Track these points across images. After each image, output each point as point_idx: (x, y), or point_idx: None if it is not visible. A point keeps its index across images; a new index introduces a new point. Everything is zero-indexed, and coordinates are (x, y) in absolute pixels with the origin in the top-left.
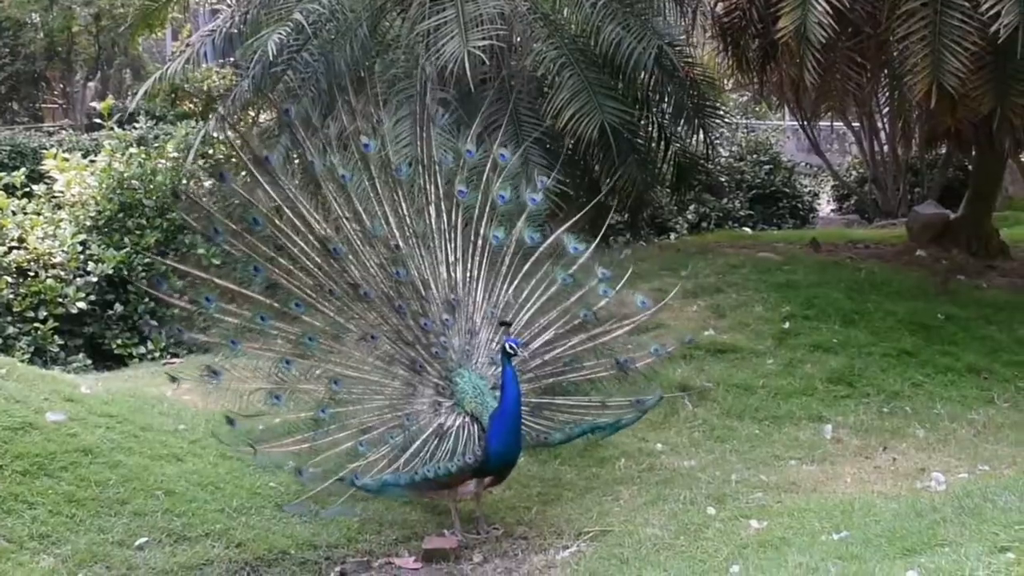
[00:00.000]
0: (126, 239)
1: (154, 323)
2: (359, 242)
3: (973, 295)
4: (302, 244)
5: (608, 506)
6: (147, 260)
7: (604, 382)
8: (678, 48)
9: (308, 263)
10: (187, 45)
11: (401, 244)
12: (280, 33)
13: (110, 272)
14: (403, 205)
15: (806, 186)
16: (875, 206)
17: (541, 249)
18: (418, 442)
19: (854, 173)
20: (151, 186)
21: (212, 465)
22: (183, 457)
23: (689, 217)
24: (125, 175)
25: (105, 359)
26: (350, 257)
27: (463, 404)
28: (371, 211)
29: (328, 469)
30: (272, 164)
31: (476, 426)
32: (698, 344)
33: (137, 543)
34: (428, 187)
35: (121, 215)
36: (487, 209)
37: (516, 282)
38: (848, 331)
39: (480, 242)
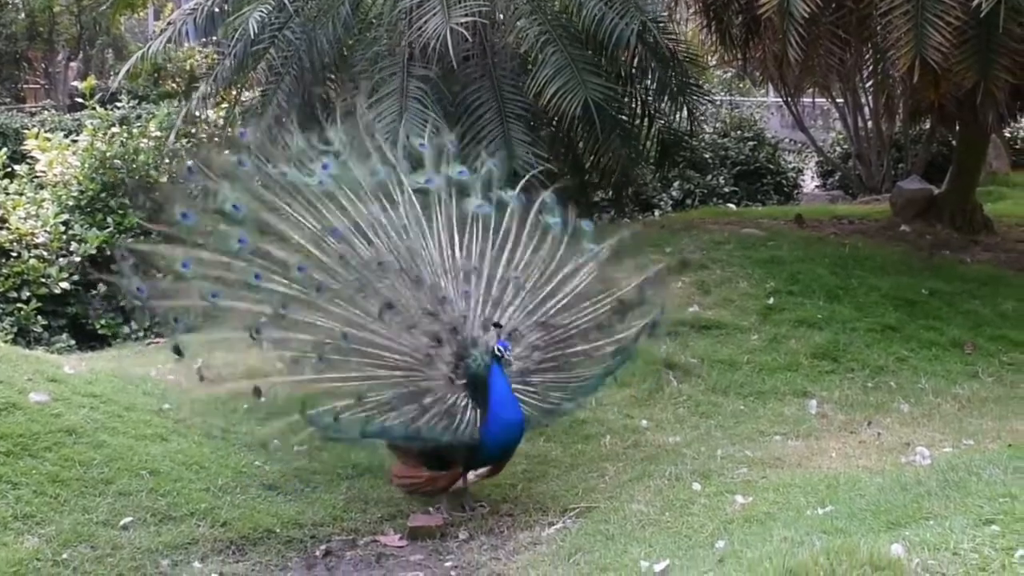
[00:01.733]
0: (109, 219)
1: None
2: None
3: (957, 270)
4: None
5: (594, 483)
6: (130, 240)
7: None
8: (661, 24)
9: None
10: (169, 24)
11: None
12: (261, 11)
13: (93, 252)
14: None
15: (790, 162)
16: (859, 182)
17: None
18: (428, 403)
19: (838, 149)
20: (133, 166)
21: (197, 445)
22: (168, 437)
23: (674, 194)
24: (107, 155)
25: (89, 339)
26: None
27: (475, 388)
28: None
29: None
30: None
31: (478, 413)
32: (683, 320)
33: (122, 523)
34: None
35: (103, 195)
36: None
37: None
38: (832, 306)
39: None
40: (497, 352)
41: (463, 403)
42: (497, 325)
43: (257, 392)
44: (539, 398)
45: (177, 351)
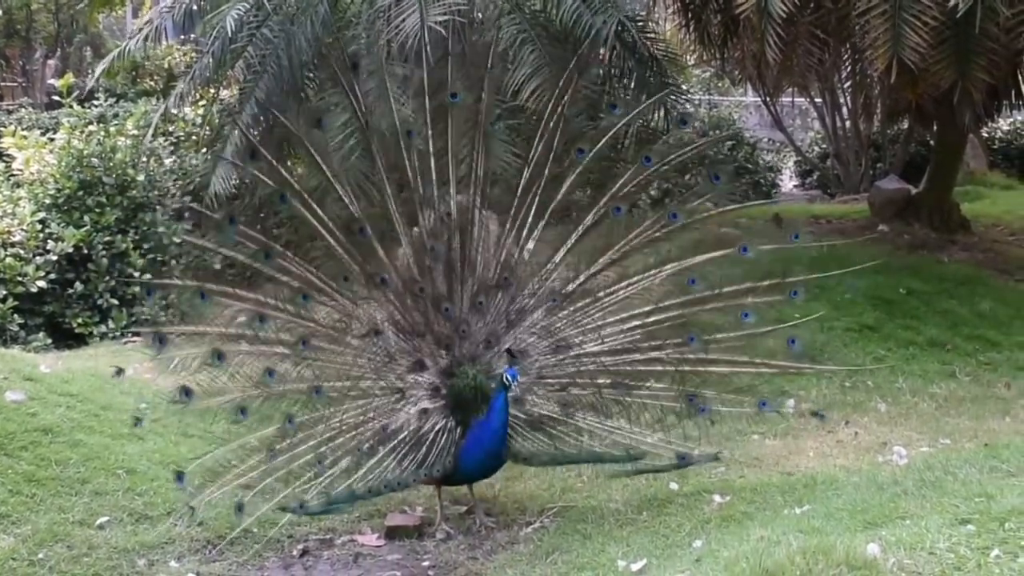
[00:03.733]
0: (86, 217)
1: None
2: (395, 213)
3: (934, 269)
4: (329, 225)
5: (571, 482)
6: (107, 238)
7: (654, 410)
8: (639, 23)
9: (333, 243)
10: (147, 22)
11: (454, 212)
12: (239, 9)
13: (70, 250)
14: (480, 166)
15: (769, 162)
16: (837, 181)
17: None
18: (386, 450)
19: (816, 148)
20: (111, 164)
21: (174, 444)
22: (144, 436)
23: (652, 193)
24: (85, 153)
25: (65, 338)
26: (376, 237)
27: (456, 408)
28: (428, 174)
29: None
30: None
31: (458, 432)
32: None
33: (98, 522)
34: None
35: (81, 193)
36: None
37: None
38: (810, 306)
39: (590, 216)
40: (505, 381)
41: (437, 427)
42: (512, 354)
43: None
44: (529, 431)
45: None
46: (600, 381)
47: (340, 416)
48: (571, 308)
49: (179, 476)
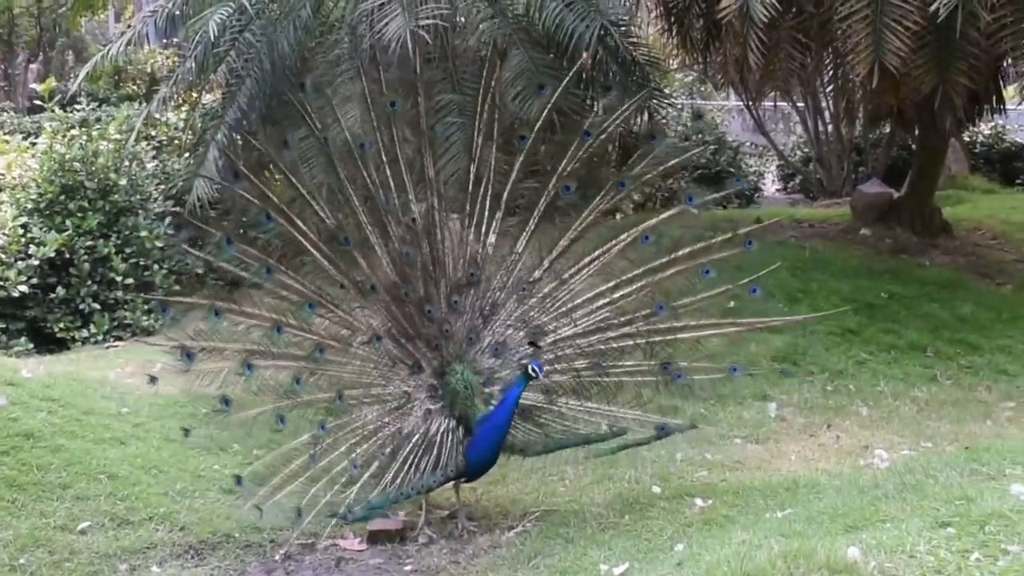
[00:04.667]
0: (68, 222)
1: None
2: (367, 224)
3: (916, 273)
4: (313, 238)
5: (553, 486)
6: (89, 243)
7: (631, 388)
8: (622, 28)
9: (319, 256)
10: (129, 26)
11: (418, 216)
12: (222, 13)
13: (52, 255)
14: (431, 167)
15: (751, 166)
16: (820, 185)
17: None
18: (404, 453)
19: (799, 152)
20: (93, 168)
21: (155, 448)
22: (126, 440)
23: (635, 197)
24: (67, 157)
25: (47, 343)
26: (357, 247)
27: (453, 406)
28: (387, 182)
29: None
30: (287, 151)
31: (460, 431)
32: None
33: (80, 527)
34: (475, 140)
35: (63, 197)
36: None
37: (568, 249)
38: (793, 309)
39: (541, 199)
40: (532, 373)
41: (442, 429)
42: (535, 344)
43: None
44: (520, 422)
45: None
46: (578, 364)
47: (361, 421)
48: (540, 295)
49: (238, 480)
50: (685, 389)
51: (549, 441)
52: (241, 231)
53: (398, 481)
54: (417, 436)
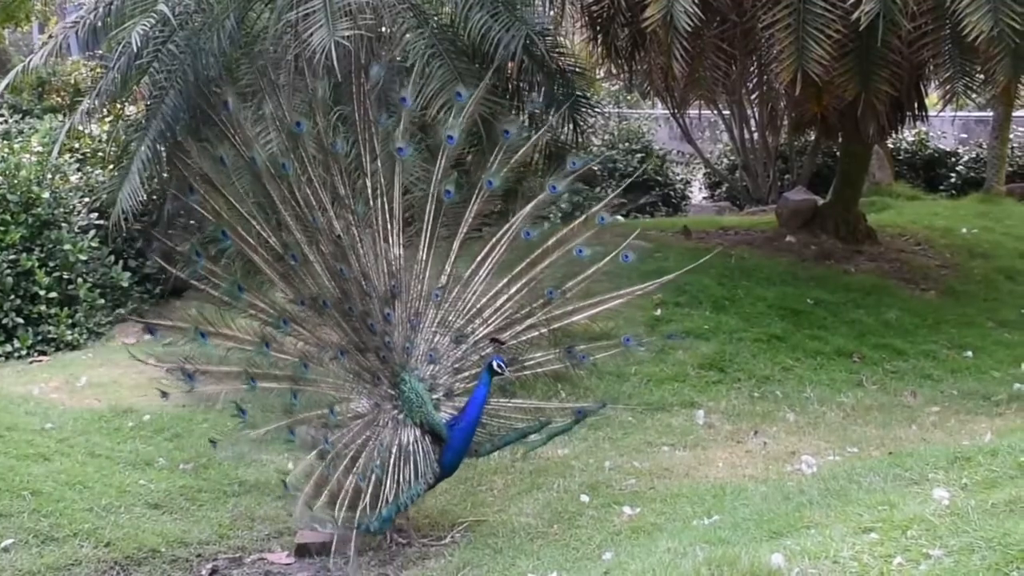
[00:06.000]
0: None
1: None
2: (305, 243)
3: (841, 280)
4: (265, 256)
5: (482, 496)
6: (12, 257)
7: (547, 378)
8: (548, 38)
9: (273, 275)
10: (50, 37)
11: (342, 233)
12: (144, 25)
13: None
14: (341, 185)
15: (678, 174)
16: (746, 193)
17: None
18: (389, 465)
19: (725, 160)
20: (15, 181)
21: (80, 464)
22: (50, 456)
23: (563, 206)
24: None
25: None
26: (303, 265)
27: (411, 415)
28: (309, 201)
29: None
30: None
31: (427, 438)
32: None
33: (3, 545)
34: (363, 155)
35: None
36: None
37: (462, 252)
38: (719, 317)
39: (424, 206)
40: (497, 368)
41: (413, 438)
42: (497, 341)
43: None
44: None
45: None
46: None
47: (351, 435)
48: (451, 299)
49: (285, 484)
50: (592, 368)
51: (495, 439)
52: (204, 248)
53: (393, 493)
54: (395, 448)
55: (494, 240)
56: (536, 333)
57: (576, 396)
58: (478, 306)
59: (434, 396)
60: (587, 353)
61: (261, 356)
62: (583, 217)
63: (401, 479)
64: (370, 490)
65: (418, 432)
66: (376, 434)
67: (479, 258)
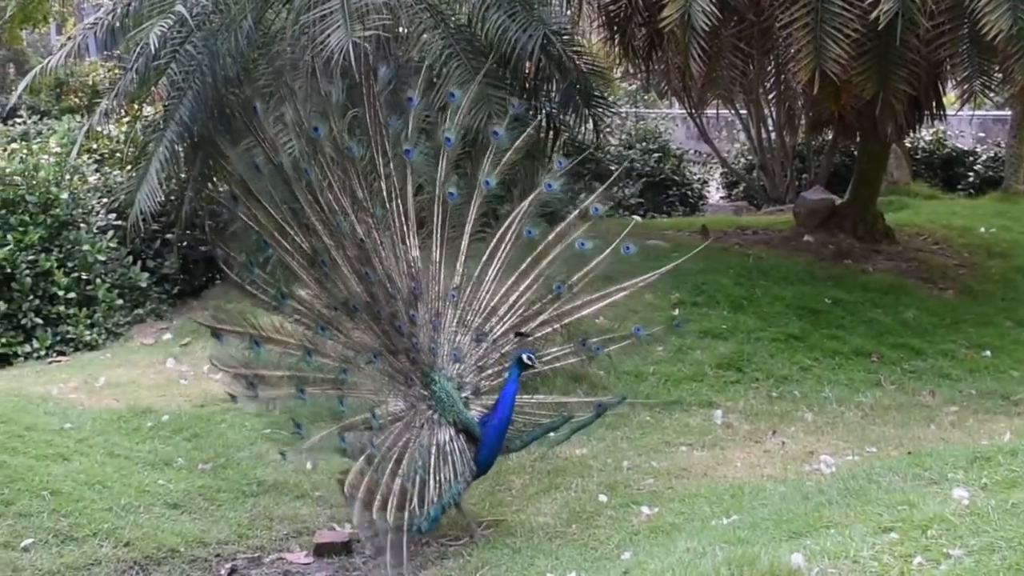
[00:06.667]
0: (9, 236)
1: None
2: (333, 248)
3: (859, 279)
4: (301, 261)
5: (500, 496)
6: (31, 257)
7: (565, 376)
8: (565, 37)
9: (309, 280)
10: (69, 38)
11: (364, 237)
12: (162, 26)
13: None
14: (359, 188)
15: (695, 174)
16: (763, 192)
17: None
18: (431, 466)
19: (742, 160)
20: (34, 182)
21: (99, 464)
22: (69, 456)
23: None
24: (7, 171)
25: None
26: (333, 269)
27: (445, 414)
28: (332, 206)
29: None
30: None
31: (461, 437)
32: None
33: (23, 544)
34: (377, 158)
35: (3, 212)
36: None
37: (475, 250)
38: (737, 317)
39: (436, 207)
40: (527, 361)
41: (448, 437)
42: (521, 335)
43: None
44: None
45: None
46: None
47: (393, 438)
48: (467, 298)
49: (343, 490)
50: (606, 360)
51: (523, 435)
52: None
53: (436, 493)
54: (433, 448)
55: (497, 239)
56: (550, 329)
57: (596, 393)
58: (492, 304)
59: (462, 395)
60: (601, 345)
61: (305, 362)
62: (577, 211)
63: (442, 479)
64: (416, 491)
65: (452, 431)
66: (415, 435)
67: (484, 257)
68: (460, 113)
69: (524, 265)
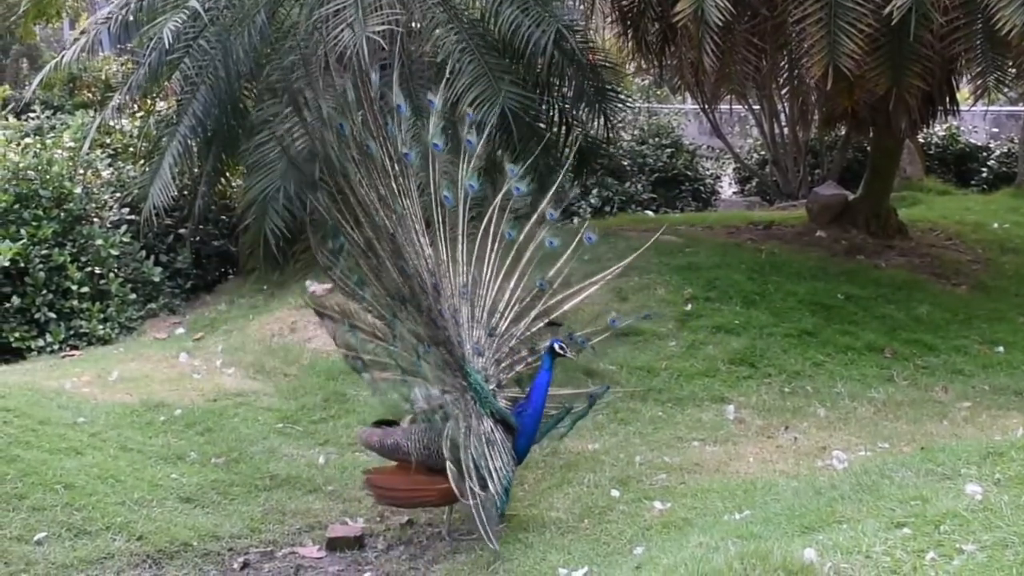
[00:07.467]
0: (22, 231)
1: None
2: (375, 240)
3: (872, 274)
4: (362, 249)
5: (513, 491)
6: (44, 252)
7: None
8: (578, 32)
9: (365, 268)
10: (82, 33)
11: (394, 231)
12: (176, 20)
13: (7, 264)
14: (381, 185)
15: (708, 169)
16: (776, 188)
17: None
18: (487, 452)
19: (755, 155)
20: (47, 177)
21: (112, 458)
22: (82, 450)
23: (592, 201)
24: (21, 166)
25: (2, 352)
26: (381, 261)
27: (483, 405)
28: (365, 200)
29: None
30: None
31: (500, 427)
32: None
33: (36, 538)
34: (384, 159)
35: (17, 206)
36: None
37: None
38: (749, 312)
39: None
40: (559, 350)
41: (490, 426)
42: (553, 323)
43: None
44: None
45: None
46: (523, 354)
47: (459, 424)
48: (475, 295)
49: (450, 478)
50: (592, 352)
51: (542, 427)
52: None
53: (496, 477)
54: (483, 435)
55: (479, 239)
56: (541, 324)
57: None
58: (496, 301)
59: (490, 387)
60: (585, 338)
61: (391, 351)
62: (536, 215)
63: (496, 465)
64: (487, 474)
65: (491, 422)
66: (470, 424)
67: (474, 256)
68: (438, 117)
69: (507, 264)
